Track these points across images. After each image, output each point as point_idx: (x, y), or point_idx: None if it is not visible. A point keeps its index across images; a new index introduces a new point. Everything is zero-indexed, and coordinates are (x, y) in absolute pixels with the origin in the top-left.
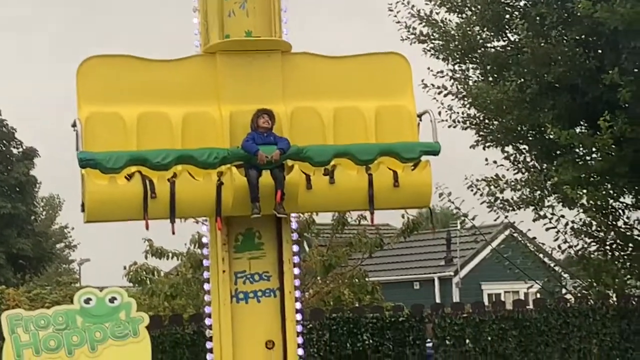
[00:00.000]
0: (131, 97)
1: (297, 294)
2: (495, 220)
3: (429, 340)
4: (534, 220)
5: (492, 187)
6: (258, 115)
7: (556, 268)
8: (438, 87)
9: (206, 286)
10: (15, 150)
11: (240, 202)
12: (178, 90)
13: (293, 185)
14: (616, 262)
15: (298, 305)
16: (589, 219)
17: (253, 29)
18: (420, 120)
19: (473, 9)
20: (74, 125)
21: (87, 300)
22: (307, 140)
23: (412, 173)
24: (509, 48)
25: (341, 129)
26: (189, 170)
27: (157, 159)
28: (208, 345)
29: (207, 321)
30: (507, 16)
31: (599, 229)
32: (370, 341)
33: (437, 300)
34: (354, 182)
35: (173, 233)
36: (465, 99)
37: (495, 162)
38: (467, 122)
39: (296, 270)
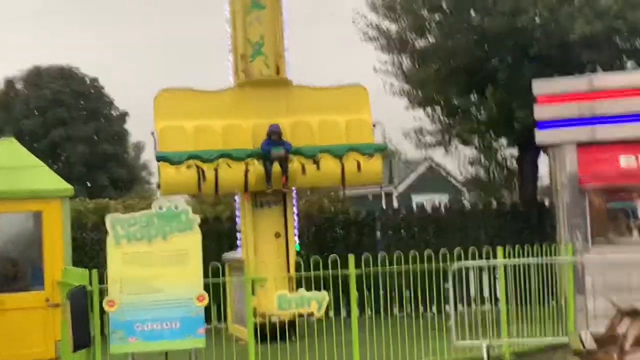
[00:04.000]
0: (190, 115)
1: (295, 204)
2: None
3: (378, 232)
4: (444, 155)
5: (418, 134)
6: (272, 133)
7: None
8: (383, 71)
9: (236, 198)
10: (113, 112)
11: (259, 182)
12: (220, 110)
13: (293, 171)
14: (496, 182)
15: (295, 210)
16: (479, 154)
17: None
18: (375, 127)
19: (405, 20)
20: (152, 134)
21: (161, 207)
22: (302, 141)
23: (369, 162)
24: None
25: (324, 134)
26: (227, 162)
27: (207, 156)
28: (238, 235)
29: (238, 220)
30: (427, 24)
31: (485, 160)
32: (341, 231)
33: (384, 207)
34: (332, 169)
35: (217, 203)
36: (401, 78)
37: (420, 118)
38: (402, 93)
39: (294, 193)
